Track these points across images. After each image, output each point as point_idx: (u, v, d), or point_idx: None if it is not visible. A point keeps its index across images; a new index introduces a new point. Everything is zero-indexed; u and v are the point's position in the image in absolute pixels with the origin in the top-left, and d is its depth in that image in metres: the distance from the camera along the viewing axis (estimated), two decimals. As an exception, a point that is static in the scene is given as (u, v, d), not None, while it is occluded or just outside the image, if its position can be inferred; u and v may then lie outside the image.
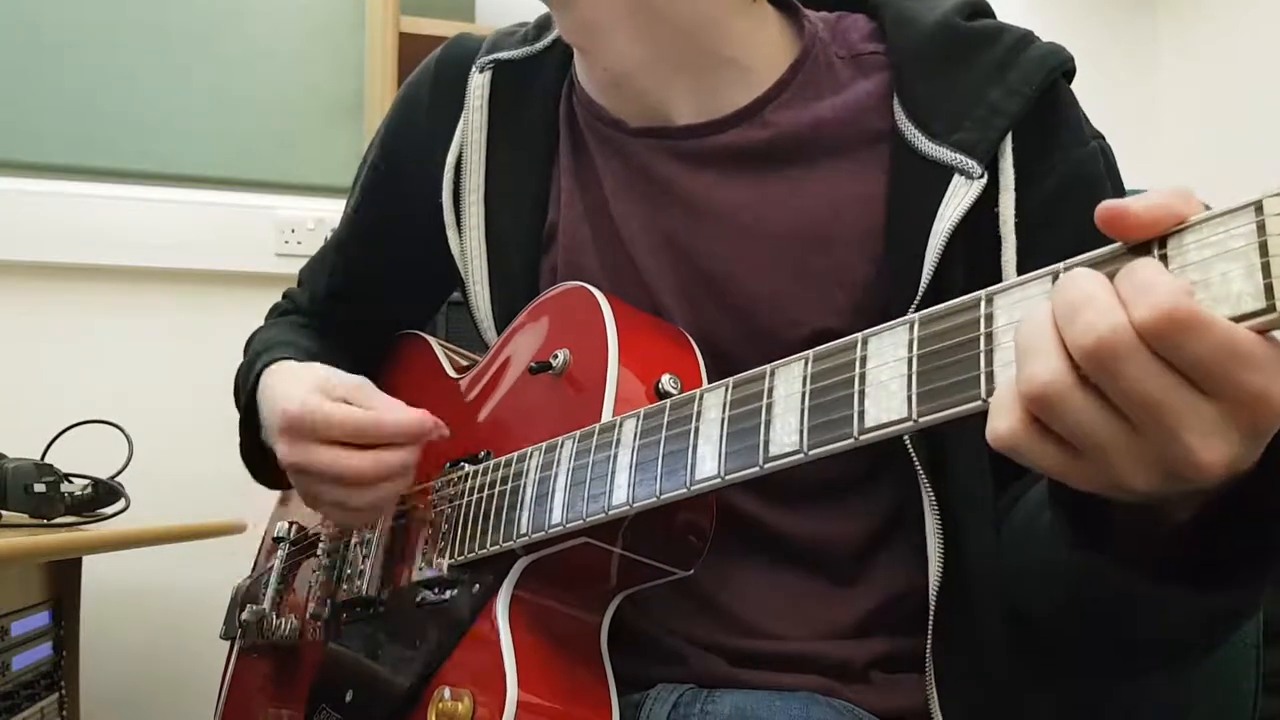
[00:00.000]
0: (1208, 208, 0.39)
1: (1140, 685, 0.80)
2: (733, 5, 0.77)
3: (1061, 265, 0.44)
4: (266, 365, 0.88)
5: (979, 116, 0.70)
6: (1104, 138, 0.74)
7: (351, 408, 0.74)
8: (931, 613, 0.71)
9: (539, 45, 0.87)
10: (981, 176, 0.69)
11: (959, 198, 0.69)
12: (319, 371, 0.82)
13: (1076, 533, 0.53)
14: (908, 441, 0.70)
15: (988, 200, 0.69)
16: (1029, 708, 0.75)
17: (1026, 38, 0.73)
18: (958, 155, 0.69)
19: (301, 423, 0.74)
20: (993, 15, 0.77)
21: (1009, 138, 0.70)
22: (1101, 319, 0.39)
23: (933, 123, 0.72)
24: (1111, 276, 0.40)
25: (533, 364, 0.74)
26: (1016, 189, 0.69)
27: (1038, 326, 0.42)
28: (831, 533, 0.77)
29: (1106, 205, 0.41)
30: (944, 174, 0.70)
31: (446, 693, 0.67)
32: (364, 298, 1.00)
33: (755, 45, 0.78)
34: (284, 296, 1.07)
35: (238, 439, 0.94)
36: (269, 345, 0.92)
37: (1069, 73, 0.73)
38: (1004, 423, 0.42)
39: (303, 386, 0.77)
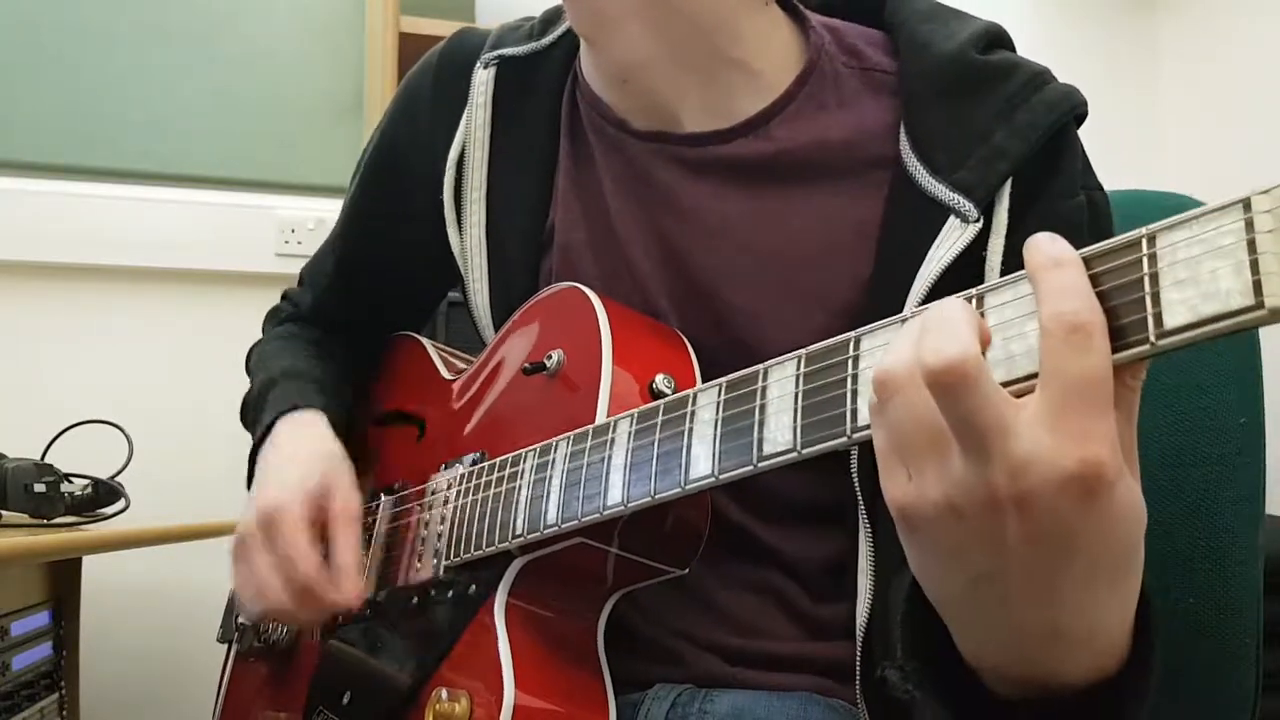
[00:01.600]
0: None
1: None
2: (746, 5, 0.76)
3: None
4: (281, 414, 0.87)
5: (982, 157, 0.68)
6: (1100, 189, 0.72)
7: (307, 558, 0.75)
8: (859, 650, 0.71)
9: (544, 41, 0.86)
10: (977, 220, 0.67)
11: (951, 240, 0.68)
12: (317, 483, 0.80)
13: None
14: (856, 485, 0.70)
15: (979, 242, 0.68)
16: None
17: (1041, 77, 0.71)
18: (956, 196, 0.68)
19: (267, 524, 0.77)
20: (1011, 47, 0.75)
21: (1009, 182, 0.68)
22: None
23: (936, 157, 0.70)
24: None
25: (527, 365, 0.74)
26: (1005, 235, 0.68)
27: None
28: (810, 551, 0.76)
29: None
30: (940, 213, 0.69)
31: (444, 694, 0.67)
32: (363, 293, 1.00)
33: (765, 50, 0.77)
34: (283, 297, 1.06)
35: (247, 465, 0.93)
36: (280, 376, 0.91)
37: (1080, 116, 0.71)
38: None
39: (297, 489, 0.78)
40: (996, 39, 0.75)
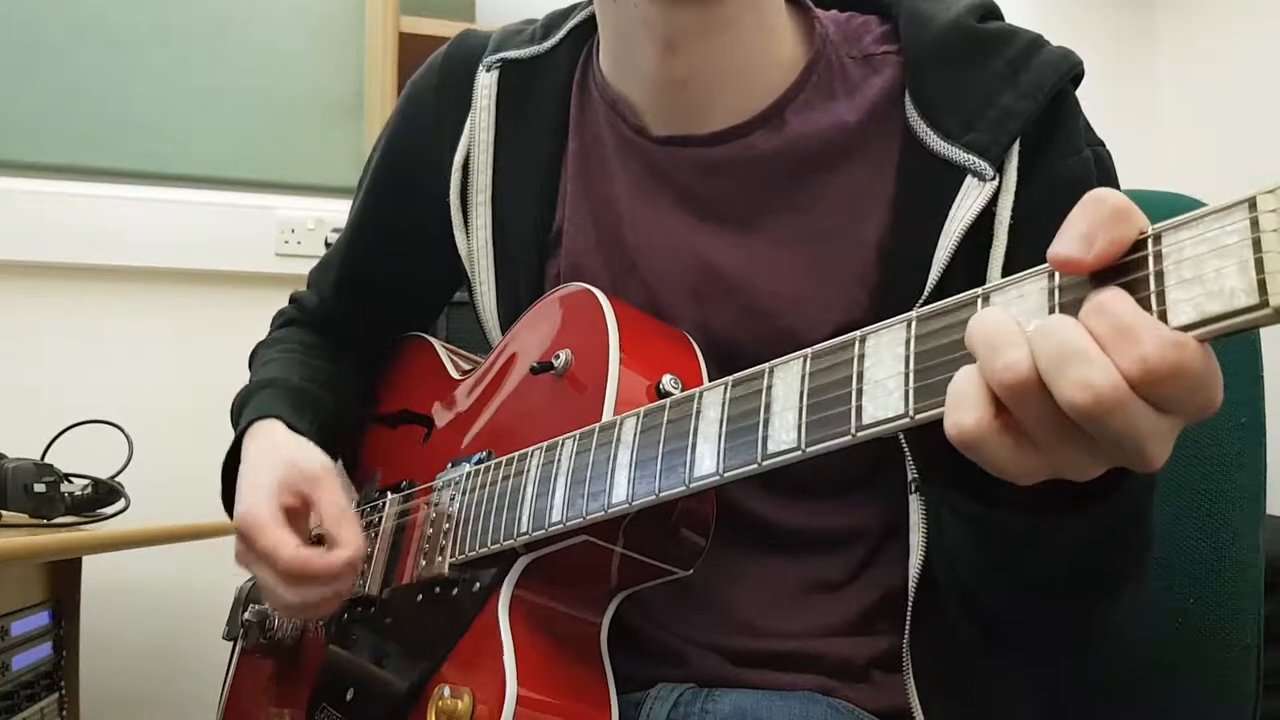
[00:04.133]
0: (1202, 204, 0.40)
1: (1103, 667, 0.82)
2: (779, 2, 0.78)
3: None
4: (251, 422, 0.87)
5: (992, 118, 0.70)
6: (1103, 145, 0.74)
7: (284, 545, 0.74)
8: (910, 603, 0.72)
9: (547, 44, 0.86)
10: (993, 179, 0.69)
11: (971, 199, 0.69)
12: (281, 469, 0.80)
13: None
14: (905, 446, 0.71)
15: (991, 200, 0.70)
16: (1004, 701, 0.76)
17: (1038, 41, 0.74)
18: (970, 156, 0.70)
19: (244, 535, 0.77)
20: (1002, 18, 0.77)
21: (1017, 140, 0.70)
22: (1097, 376, 0.40)
23: (945, 121, 0.72)
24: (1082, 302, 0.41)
25: (535, 364, 0.74)
26: (1015, 191, 0.70)
27: (1003, 320, 0.43)
28: (835, 528, 0.77)
29: (1056, 255, 0.42)
30: (956, 174, 0.70)
31: (446, 691, 0.67)
32: (370, 297, 1.00)
33: (780, 43, 0.78)
34: (291, 300, 1.06)
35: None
36: (261, 384, 0.92)
37: (1077, 77, 0.73)
38: (970, 416, 0.43)
39: (262, 488, 0.78)
40: (990, 10, 0.77)
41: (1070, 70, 0.72)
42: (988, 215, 0.69)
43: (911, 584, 0.72)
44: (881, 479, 0.76)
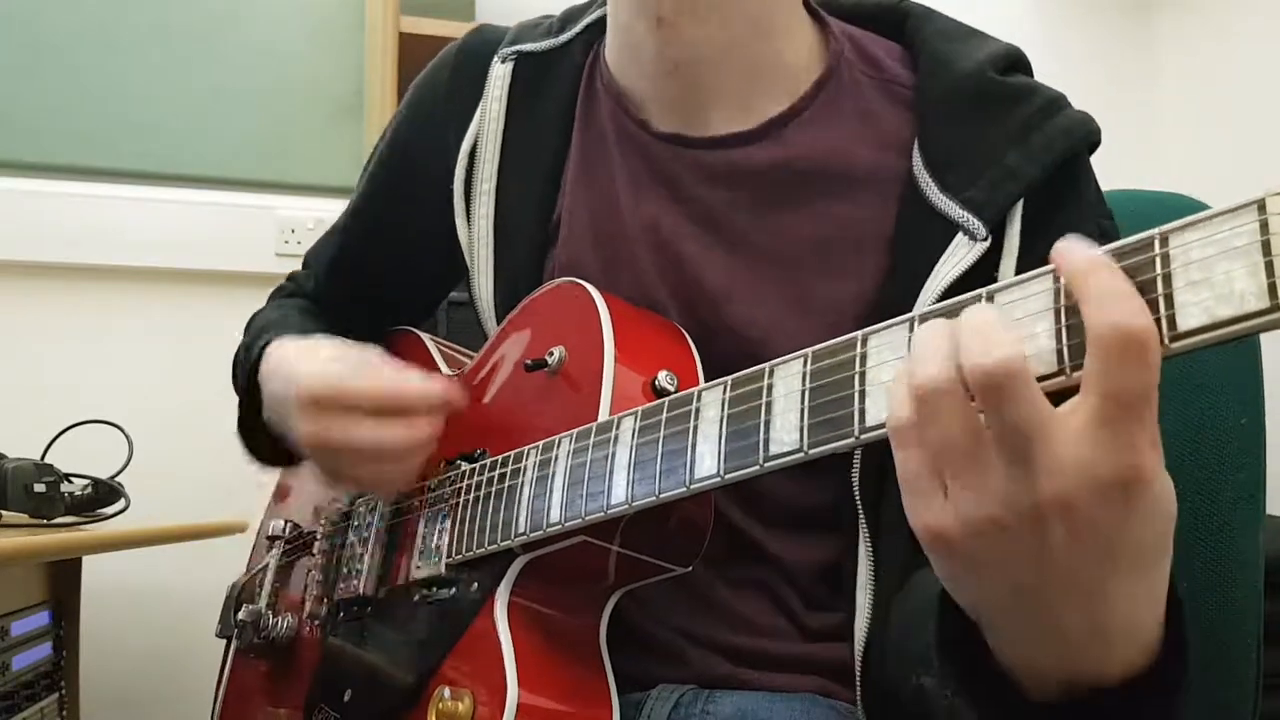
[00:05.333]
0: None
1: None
2: (790, 2, 0.77)
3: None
4: (270, 342, 0.85)
5: (994, 177, 0.69)
6: (1111, 218, 0.72)
7: (372, 379, 0.72)
8: (859, 663, 0.70)
9: (562, 38, 0.86)
10: (986, 239, 0.67)
11: (958, 257, 0.68)
12: (328, 345, 0.79)
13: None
14: (856, 494, 0.70)
15: (990, 262, 0.68)
16: None
17: (1057, 103, 0.72)
18: (964, 213, 0.68)
19: (325, 396, 0.72)
20: (1029, 70, 0.76)
21: (1020, 202, 0.68)
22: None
23: (948, 174, 0.70)
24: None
25: (528, 361, 0.73)
26: (1018, 256, 0.68)
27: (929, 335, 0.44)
28: (804, 556, 0.76)
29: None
30: (948, 229, 0.69)
31: (446, 692, 0.67)
32: (367, 281, 1.00)
33: (794, 49, 0.78)
34: (288, 278, 1.07)
35: (236, 417, 0.93)
36: (271, 325, 0.91)
37: (1093, 145, 0.71)
38: (904, 411, 0.43)
39: (319, 358, 0.76)
40: (1016, 61, 0.75)
41: (1086, 137, 0.70)
42: (989, 280, 0.68)
43: (859, 646, 0.70)
44: (845, 517, 0.74)
